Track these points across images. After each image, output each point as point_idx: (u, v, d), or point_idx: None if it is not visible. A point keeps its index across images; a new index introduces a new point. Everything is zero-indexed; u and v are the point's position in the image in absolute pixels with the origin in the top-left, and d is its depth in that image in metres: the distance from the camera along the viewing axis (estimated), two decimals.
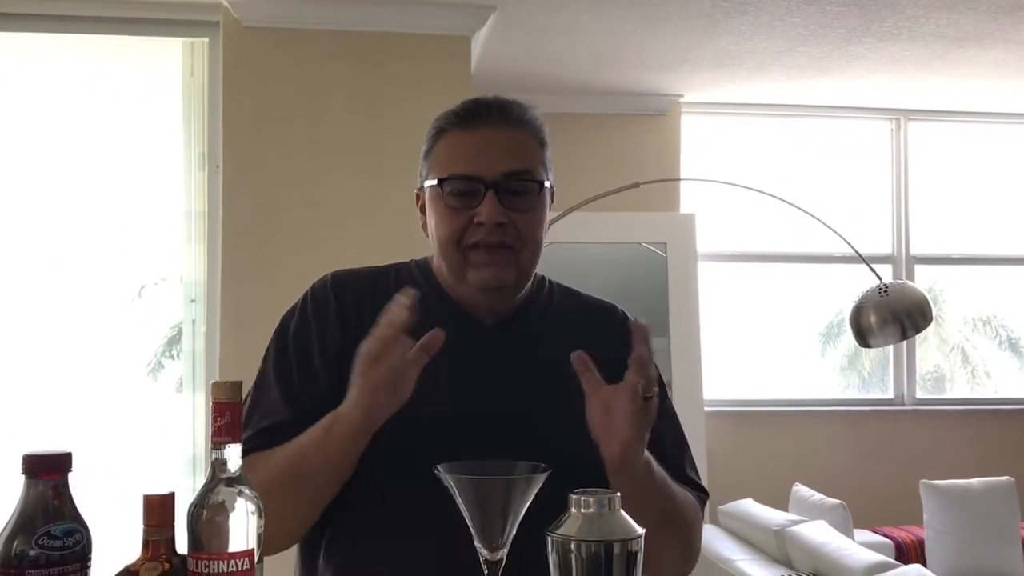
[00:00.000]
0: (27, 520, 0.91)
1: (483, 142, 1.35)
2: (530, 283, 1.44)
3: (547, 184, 1.39)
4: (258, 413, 1.34)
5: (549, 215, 1.42)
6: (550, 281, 1.51)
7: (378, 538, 1.30)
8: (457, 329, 1.36)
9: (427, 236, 1.42)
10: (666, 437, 1.44)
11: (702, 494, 1.46)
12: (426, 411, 1.26)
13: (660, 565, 1.33)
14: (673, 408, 1.49)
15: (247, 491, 0.95)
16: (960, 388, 5.56)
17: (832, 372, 5.50)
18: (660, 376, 1.48)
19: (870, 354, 5.28)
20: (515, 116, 1.38)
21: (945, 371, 5.58)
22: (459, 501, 1.04)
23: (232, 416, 0.95)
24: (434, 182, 1.36)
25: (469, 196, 1.33)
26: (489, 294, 1.37)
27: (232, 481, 0.94)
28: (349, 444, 1.24)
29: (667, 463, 1.41)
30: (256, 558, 0.94)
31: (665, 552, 1.32)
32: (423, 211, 1.43)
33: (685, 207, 4.93)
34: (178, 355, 3.82)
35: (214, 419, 0.95)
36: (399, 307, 1.20)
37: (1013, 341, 5.62)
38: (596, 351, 1.41)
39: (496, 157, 1.34)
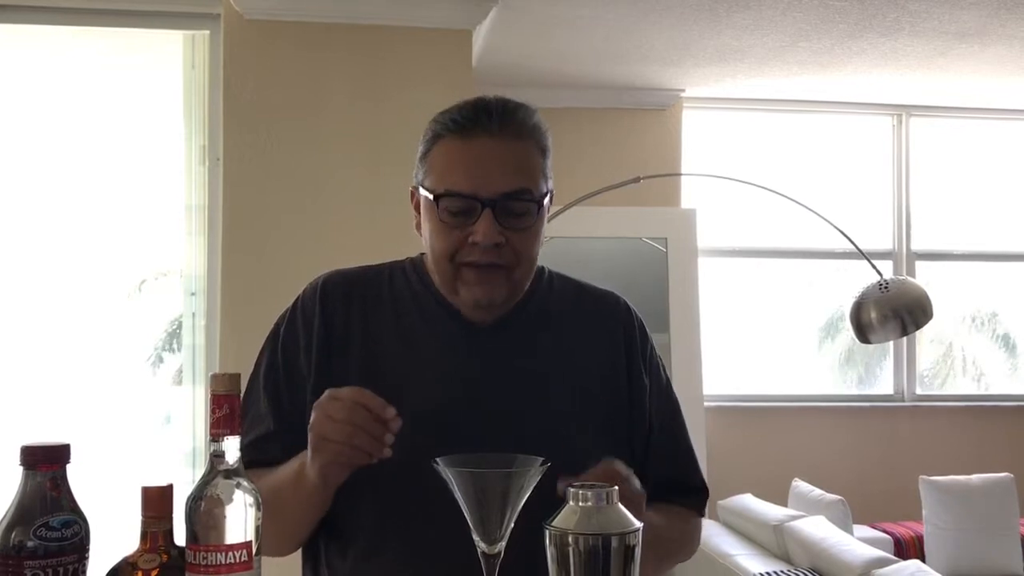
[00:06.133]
0: (25, 511, 0.92)
1: (482, 155, 1.29)
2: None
3: (546, 200, 1.34)
4: (246, 423, 1.33)
5: (546, 223, 1.37)
6: (550, 272, 1.47)
7: (378, 532, 1.30)
8: (452, 329, 1.37)
9: (420, 236, 1.39)
10: (679, 443, 1.46)
11: (703, 496, 1.47)
12: (423, 410, 1.26)
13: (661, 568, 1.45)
14: (682, 415, 1.48)
15: (245, 483, 0.95)
16: (958, 384, 5.55)
17: (832, 367, 5.49)
18: (667, 376, 1.47)
19: (870, 350, 5.26)
20: (517, 124, 1.31)
21: (943, 367, 5.57)
22: (457, 494, 1.03)
23: (230, 408, 0.95)
24: (430, 196, 1.31)
25: (465, 214, 1.29)
26: (481, 309, 1.35)
27: (230, 473, 0.95)
28: (318, 494, 1.24)
29: (676, 469, 1.44)
30: (254, 550, 0.94)
31: (666, 567, 1.46)
32: (417, 209, 1.39)
33: (686, 202, 4.93)
34: (178, 348, 3.82)
35: (212, 411, 0.95)
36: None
37: (1010, 338, 5.61)
38: (596, 343, 1.41)
39: (495, 173, 1.29)
